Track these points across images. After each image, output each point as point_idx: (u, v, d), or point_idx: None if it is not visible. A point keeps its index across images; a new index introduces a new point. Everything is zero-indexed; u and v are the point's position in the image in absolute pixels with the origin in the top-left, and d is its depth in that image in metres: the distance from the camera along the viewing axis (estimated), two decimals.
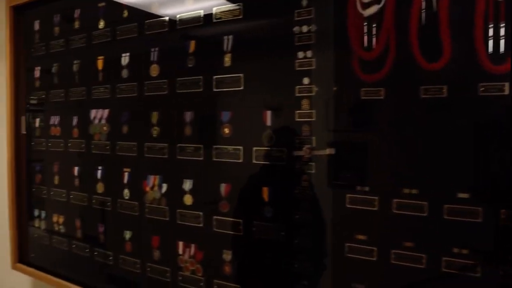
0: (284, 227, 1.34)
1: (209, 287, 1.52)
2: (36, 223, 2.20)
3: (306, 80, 1.30)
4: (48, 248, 2.14)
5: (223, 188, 1.47)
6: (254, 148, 1.39)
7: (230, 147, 1.45)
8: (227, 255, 1.48)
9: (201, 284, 1.54)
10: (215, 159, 1.49)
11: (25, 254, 2.27)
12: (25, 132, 2.22)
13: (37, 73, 2.16)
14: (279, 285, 1.36)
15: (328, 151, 1.25)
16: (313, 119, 1.29)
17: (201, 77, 1.52)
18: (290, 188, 1.32)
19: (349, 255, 1.23)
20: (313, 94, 1.28)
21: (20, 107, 2.23)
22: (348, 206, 1.23)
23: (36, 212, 2.20)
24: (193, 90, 1.54)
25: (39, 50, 2.14)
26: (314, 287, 1.30)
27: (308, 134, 1.30)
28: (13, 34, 2.20)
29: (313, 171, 1.29)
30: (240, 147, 1.42)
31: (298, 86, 1.31)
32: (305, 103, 1.30)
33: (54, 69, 2.06)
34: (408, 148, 1.15)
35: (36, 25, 2.15)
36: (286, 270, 1.34)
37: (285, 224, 1.34)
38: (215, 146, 1.48)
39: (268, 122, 1.37)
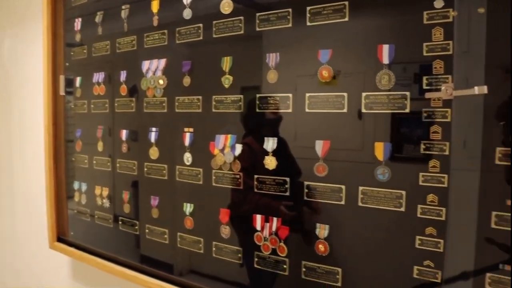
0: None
1: (296, 270, 1.21)
2: (76, 196, 1.92)
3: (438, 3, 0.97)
4: (89, 225, 1.87)
5: (321, 146, 1.15)
6: (364, 94, 1.08)
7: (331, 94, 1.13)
8: (322, 230, 1.17)
9: (285, 266, 1.23)
10: (308, 110, 1.17)
11: (64, 232, 2.00)
12: (64, 93, 1.94)
13: (77, 24, 1.86)
14: None
15: (479, 89, 0.92)
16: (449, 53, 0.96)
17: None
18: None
19: None
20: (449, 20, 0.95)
21: (58, 65, 1.96)
22: None
23: (76, 185, 1.92)
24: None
25: None
26: None
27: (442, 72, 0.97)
28: None
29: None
30: (344, 94, 1.11)
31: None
32: (437, 32, 0.98)
33: (97, 18, 1.76)
34: None
35: None
36: None
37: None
38: (309, 94, 1.17)
39: (385, 59, 1.04)
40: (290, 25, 1.21)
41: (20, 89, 2.49)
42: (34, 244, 2.42)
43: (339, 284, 1.16)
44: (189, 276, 1.49)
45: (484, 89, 0.91)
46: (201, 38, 1.40)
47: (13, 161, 2.62)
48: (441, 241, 1.00)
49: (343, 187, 1.14)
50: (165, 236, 1.54)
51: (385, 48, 1.05)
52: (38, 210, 2.28)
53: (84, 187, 1.89)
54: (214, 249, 1.40)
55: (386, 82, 1.06)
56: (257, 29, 1.27)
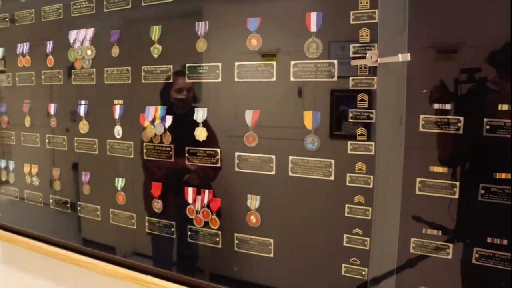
0: None
1: (229, 242, 1.21)
2: (3, 175, 1.83)
3: None
4: (18, 204, 1.78)
5: (250, 115, 1.14)
6: (292, 62, 1.07)
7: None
8: (253, 202, 1.16)
9: (218, 239, 1.22)
10: (237, 79, 1.15)
11: None
12: None
13: None
14: None
15: (402, 56, 0.93)
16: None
17: None
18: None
19: None
20: None
21: None
22: None
23: (2, 163, 1.82)
24: None
25: None
26: None
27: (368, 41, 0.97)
28: None
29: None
30: (273, 62, 1.10)
31: None
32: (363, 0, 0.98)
33: None
34: None
35: None
36: None
37: None
38: (238, 63, 1.15)
39: (313, 27, 1.04)
40: None
41: None
42: None
43: (271, 255, 1.16)
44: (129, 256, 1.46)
45: (407, 56, 0.92)
46: (129, 6, 1.34)
47: None
48: (369, 208, 1.02)
49: (273, 157, 1.13)
50: (98, 213, 1.49)
51: (313, 16, 1.04)
52: None
53: (12, 165, 1.79)
54: (147, 224, 1.36)
55: (314, 50, 1.05)
56: None
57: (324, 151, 1.06)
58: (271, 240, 1.16)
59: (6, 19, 1.72)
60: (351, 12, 1.00)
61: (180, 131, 1.27)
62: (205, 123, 1.22)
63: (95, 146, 1.46)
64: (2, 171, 1.84)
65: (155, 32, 1.28)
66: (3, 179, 1.83)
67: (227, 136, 1.20)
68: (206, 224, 1.25)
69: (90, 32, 1.44)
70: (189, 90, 1.24)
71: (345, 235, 1.05)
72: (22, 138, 1.72)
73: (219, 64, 1.18)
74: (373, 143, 1.00)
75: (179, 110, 1.26)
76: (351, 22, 1.00)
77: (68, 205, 1.59)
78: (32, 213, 1.74)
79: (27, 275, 1.91)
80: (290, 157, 1.10)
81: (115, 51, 1.37)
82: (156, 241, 1.36)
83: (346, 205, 1.04)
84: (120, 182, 1.41)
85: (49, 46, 1.57)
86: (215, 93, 1.20)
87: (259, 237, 1.17)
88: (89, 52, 1.44)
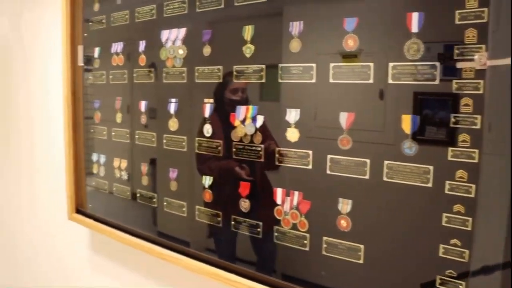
0: None
1: (317, 245, 1.19)
2: (95, 169, 1.92)
3: None
4: (108, 197, 1.86)
5: (345, 118, 1.11)
6: (391, 64, 1.03)
7: None
8: (344, 205, 1.13)
9: (305, 241, 1.21)
10: (332, 81, 1.13)
11: (82, 204, 2.00)
12: (82, 64, 1.91)
13: None
14: None
15: None
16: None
17: None
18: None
19: None
20: None
21: (76, 35, 1.93)
22: None
23: (94, 157, 1.91)
24: None
25: None
26: None
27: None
28: None
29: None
30: (370, 64, 1.06)
31: None
32: None
33: None
34: None
35: None
36: None
37: None
38: (333, 64, 1.12)
39: (414, 28, 0.99)
40: None
41: (38, 61, 2.48)
42: (53, 216, 2.43)
43: (361, 261, 1.12)
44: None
45: None
46: (222, 6, 1.35)
47: (33, 132, 2.62)
48: (470, 219, 0.96)
49: (367, 160, 1.10)
50: (184, 209, 1.52)
51: (415, 16, 1.00)
52: (57, 182, 2.28)
53: (102, 159, 1.88)
54: (233, 223, 1.37)
55: (414, 52, 1.01)
56: None
57: (422, 156, 1.01)
58: (362, 246, 1.12)
59: (103, 21, 1.80)
60: (457, 12, 0.94)
61: (271, 132, 1.27)
62: (297, 124, 1.20)
63: (183, 143, 1.50)
64: (94, 164, 1.93)
65: (248, 31, 1.28)
66: (94, 171, 1.92)
67: (318, 138, 1.18)
68: (294, 226, 1.24)
69: (182, 31, 1.47)
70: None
71: (441, 246, 1.00)
72: (113, 133, 1.80)
73: (314, 65, 1.16)
74: (477, 150, 0.94)
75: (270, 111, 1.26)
76: (456, 22, 0.94)
77: (154, 199, 1.63)
78: (120, 205, 1.81)
79: (113, 264, 2.00)
80: (386, 162, 1.06)
81: (207, 50, 1.39)
82: (239, 241, 1.36)
83: (444, 214, 0.99)
84: (207, 180, 1.43)
85: (142, 45, 1.62)
86: (308, 94, 1.18)
87: (349, 242, 1.14)
88: (180, 52, 1.47)
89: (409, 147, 1.03)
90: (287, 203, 1.24)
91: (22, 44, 2.63)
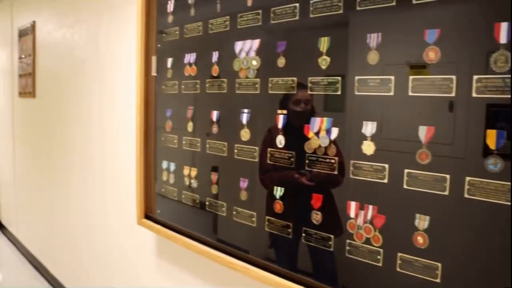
0: None
1: (391, 261, 1.15)
2: (164, 176, 1.96)
3: None
4: (176, 204, 1.90)
5: (424, 132, 1.07)
6: (475, 77, 0.99)
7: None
8: (421, 222, 1.09)
9: (379, 257, 1.18)
10: (411, 93, 1.10)
11: (151, 210, 2.06)
12: (155, 74, 1.97)
13: (170, 6, 1.88)
14: None
15: None
16: None
17: None
18: None
19: None
20: None
21: (150, 46, 1.99)
22: None
23: (164, 164, 1.96)
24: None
25: None
26: None
27: None
28: None
29: None
30: (453, 77, 1.02)
31: None
32: None
33: (190, 0, 1.76)
34: None
35: None
36: None
37: None
38: (413, 77, 1.09)
39: (502, 39, 0.95)
40: (394, 3, 1.14)
41: (113, 71, 2.58)
42: (122, 220, 2.51)
43: (438, 280, 1.08)
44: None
45: None
46: (297, 18, 1.35)
47: (104, 139, 2.73)
48: None
49: (447, 176, 1.05)
50: (253, 219, 1.53)
51: (503, 26, 0.95)
52: (127, 187, 2.36)
53: (172, 167, 1.92)
54: (303, 234, 1.36)
55: (502, 64, 0.96)
56: (358, 8, 1.21)
57: (508, 174, 0.96)
58: (439, 264, 1.08)
59: (176, 32, 1.85)
60: None
61: (345, 144, 1.25)
62: (374, 137, 1.18)
63: (255, 153, 1.50)
64: (163, 171, 1.98)
65: (324, 43, 1.28)
66: (164, 179, 1.97)
67: (395, 151, 1.15)
68: (367, 241, 1.21)
69: (256, 43, 1.48)
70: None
71: None
72: (183, 142, 1.84)
73: (392, 77, 1.14)
74: None
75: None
76: None
77: (223, 208, 1.65)
78: (187, 212, 1.84)
79: (178, 269, 2.03)
80: (467, 178, 1.02)
81: (281, 61, 1.40)
82: (311, 253, 1.35)
83: None
84: (278, 191, 1.43)
85: (215, 56, 1.65)
86: (385, 107, 1.15)
87: (426, 259, 1.10)
88: (254, 62, 1.48)
89: (494, 164, 0.98)
90: (361, 216, 1.22)
91: (98, 55, 2.75)
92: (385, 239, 1.18)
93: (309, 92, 1.32)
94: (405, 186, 1.13)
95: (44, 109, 3.82)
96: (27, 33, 4.05)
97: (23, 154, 4.49)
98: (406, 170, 1.12)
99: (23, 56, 4.20)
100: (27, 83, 4.10)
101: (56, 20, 3.44)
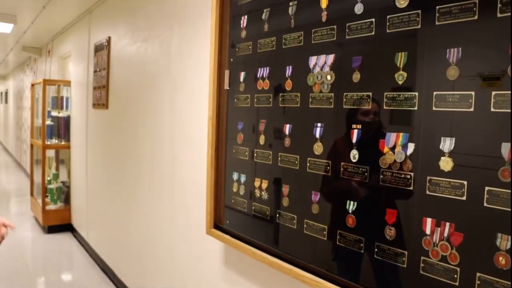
0: None
1: (469, 281, 1.12)
2: (235, 187, 2.01)
3: None
4: (244, 215, 1.93)
5: (507, 149, 1.04)
6: None
7: None
8: (504, 241, 1.06)
9: (455, 276, 1.15)
10: (494, 109, 1.08)
11: (220, 220, 2.11)
12: (228, 87, 2.03)
13: (243, 21, 1.94)
14: None
15: None
16: None
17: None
18: None
19: None
20: None
21: (223, 60, 2.05)
22: None
23: (235, 176, 2.01)
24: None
25: None
26: None
27: None
28: None
29: None
30: None
31: None
32: None
33: (264, 15, 1.81)
34: None
35: None
36: None
37: None
38: (495, 93, 1.07)
39: None
40: (475, 17, 1.12)
41: (184, 84, 2.68)
42: (190, 229, 2.58)
43: None
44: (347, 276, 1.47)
45: None
46: (373, 33, 1.36)
47: (174, 151, 2.82)
48: None
49: None
50: (324, 232, 1.53)
51: None
52: (196, 197, 2.43)
53: (243, 178, 1.96)
54: (376, 250, 1.35)
55: None
56: (437, 23, 1.20)
57: None
58: None
59: (249, 47, 1.90)
60: None
61: (421, 160, 1.23)
62: (451, 153, 1.16)
63: (328, 168, 1.51)
64: (234, 182, 2.02)
65: (401, 58, 1.27)
66: (234, 190, 2.01)
67: (475, 168, 1.12)
68: (444, 258, 1.19)
69: (330, 58, 1.50)
70: None
71: None
72: (255, 154, 1.87)
73: (472, 93, 1.12)
74: None
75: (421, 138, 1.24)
76: None
77: (294, 221, 1.67)
78: (257, 224, 1.87)
79: (245, 280, 2.06)
80: None
81: (356, 76, 1.40)
82: (381, 269, 1.34)
83: None
84: (351, 205, 1.43)
85: (288, 70, 1.68)
86: (465, 123, 1.14)
87: (509, 281, 1.07)
88: (328, 77, 1.50)
89: None
90: (437, 234, 1.20)
91: (169, 69, 2.87)
92: (463, 258, 1.15)
93: (385, 107, 1.31)
94: (485, 204, 1.10)
95: (116, 120, 4.01)
96: (103, 48, 4.28)
97: (94, 162, 4.72)
98: (487, 188, 1.10)
99: (97, 69, 4.44)
100: (101, 95, 4.33)
101: (130, 36, 3.62)
